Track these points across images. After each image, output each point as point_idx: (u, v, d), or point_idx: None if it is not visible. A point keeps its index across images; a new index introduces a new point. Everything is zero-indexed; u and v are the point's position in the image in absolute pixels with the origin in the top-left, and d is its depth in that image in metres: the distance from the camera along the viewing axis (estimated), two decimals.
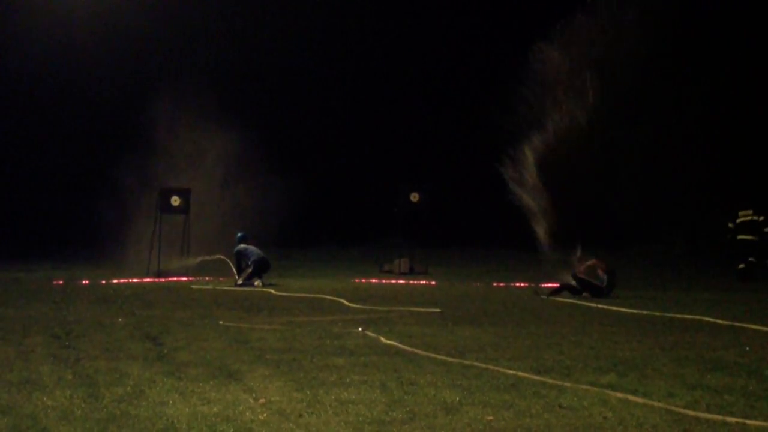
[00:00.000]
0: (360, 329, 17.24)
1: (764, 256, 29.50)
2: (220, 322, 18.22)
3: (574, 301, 23.50)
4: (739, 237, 29.27)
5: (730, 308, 21.50)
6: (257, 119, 48.78)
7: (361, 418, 10.01)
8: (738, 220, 29.56)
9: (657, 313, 20.17)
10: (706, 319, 18.87)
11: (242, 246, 28.90)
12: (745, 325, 18.02)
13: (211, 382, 11.87)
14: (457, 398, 10.98)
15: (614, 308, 21.48)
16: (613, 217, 45.65)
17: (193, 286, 27.09)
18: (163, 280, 28.61)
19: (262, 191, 45.94)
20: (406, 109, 50.45)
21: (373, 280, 30.12)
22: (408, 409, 10.45)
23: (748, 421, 9.85)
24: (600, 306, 22.06)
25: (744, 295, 25.05)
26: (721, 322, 18.46)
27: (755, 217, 29.45)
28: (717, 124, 47.97)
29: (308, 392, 11.30)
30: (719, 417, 10.08)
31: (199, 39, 48.87)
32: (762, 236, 29.25)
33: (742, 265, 29.23)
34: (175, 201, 30.97)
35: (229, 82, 48.24)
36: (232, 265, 29.17)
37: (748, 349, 15.11)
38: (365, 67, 51.60)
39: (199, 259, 30.87)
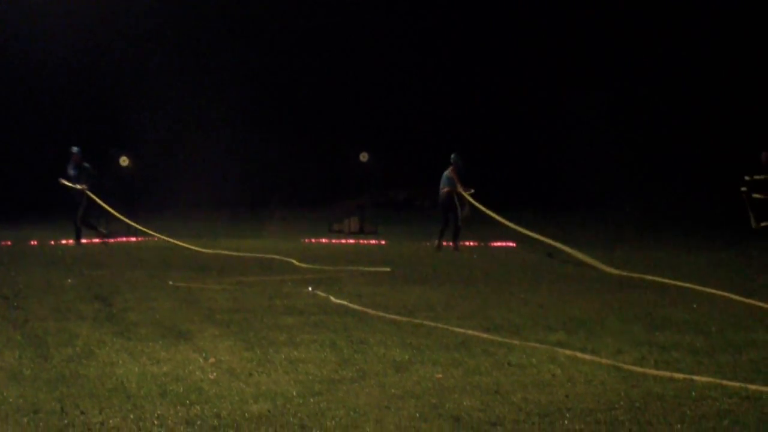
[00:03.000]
0: (309, 289, 17.26)
1: None
2: (170, 282, 18.17)
3: (525, 257, 23.59)
4: (754, 195, 29.03)
5: (680, 268, 21.68)
6: (214, 79, 48.68)
7: (311, 377, 10.02)
8: (754, 177, 29.21)
9: (608, 271, 20.29)
10: (648, 277, 18.99)
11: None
12: (690, 285, 18.13)
13: (160, 342, 11.85)
14: (407, 357, 11.02)
15: (563, 267, 21.60)
16: (564, 178, 45.97)
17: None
18: (111, 240, 28.39)
19: (216, 153, 45.95)
20: (356, 72, 50.33)
21: (323, 240, 30.10)
22: (358, 367, 10.48)
23: (695, 377, 9.95)
24: (550, 265, 22.18)
25: (694, 257, 25.26)
26: (668, 281, 18.58)
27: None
28: (668, 89, 48.36)
29: (258, 351, 11.30)
30: (667, 373, 10.17)
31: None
32: None
33: (765, 223, 28.94)
34: (124, 161, 30.75)
35: (191, 42, 48.10)
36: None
37: (695, 306, 15.25)
38: (320, 32, 51.41)
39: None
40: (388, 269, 21.05)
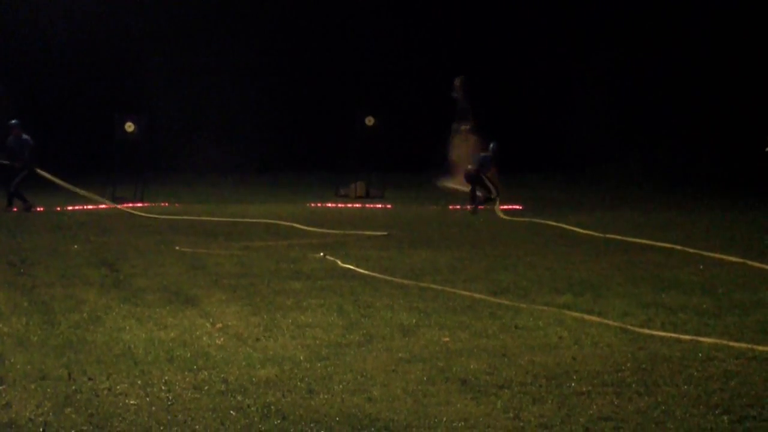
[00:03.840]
0: (321, 254, 17.21)
1: None
2: (176, 248, 18.17)
3: (532, 220, 23.55)
4: None
5: (684, 230, 21.64)
6: (213, 44, 48.51)
7: (318, 341, 10.05)
8: None
9: (612, 236, 20.24)
10: (659, 244, 18.92)
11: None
12: (695, 251, 18.11)
13: (167, 308, 11.88)
14: (414, 320, 11.05)
15: (569, 228, 21.57)
16: (569, 139, 45.82)
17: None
18: (119, 206, 28.36)
19: (220, 118, 45.84)
20: (361, 37, 50.14)
21: (329, 205, 30.09)
22: (365, 331, 10.50)
23: (701, 339, 9.97)
24: (556, 226, 22.14)
25: (695, 216, 25.21)
26: (672, 246, 18.53)
27: None
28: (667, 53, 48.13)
29: (265, 316, 11.33)
30: (673, 335, 10.20)
31: None
32: None
33: None
34: (129, 127, 30.59)
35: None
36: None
37: (701, 267, 15.26)
38: None
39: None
40: (385, 233, 20.95)
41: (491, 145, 27.21)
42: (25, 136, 27.29)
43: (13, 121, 27.55)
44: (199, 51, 47.86)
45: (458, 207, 27.32)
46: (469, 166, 27.34)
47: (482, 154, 27.24)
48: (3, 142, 27.42)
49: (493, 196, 26.89)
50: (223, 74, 47.98)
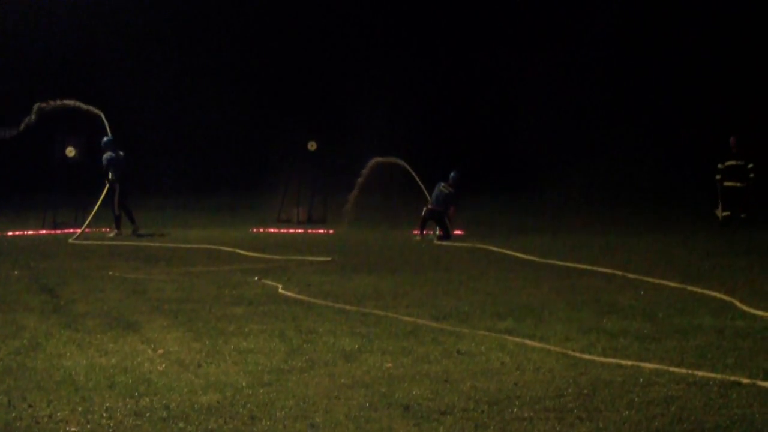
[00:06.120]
0: (256, 278, 17.20)
1: (747, 205, 29.02)
2: (109, 273, 18.07)
3: (474, 245, 23.59)
4: (726, 183, 28.93)
5: (623, 254, 21.76)
6: (152, 65, 48.36)
7: (260, 367, 10.03)
8: (726, 163, 29.08)
9: (553, 262, 20.31)
10: (599, 269, 19.00)
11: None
12: (640, 276, 18.23)
13: (108, 334, 11.81)
14: (356, 346, 11.05)
15: (511, 253, 21.65)
16: (509, 161, 45.96)
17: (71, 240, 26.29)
18: (58, 232, 28.12)
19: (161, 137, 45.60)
20: (304, 59, 50.24)
21: (272, 230, 30.01)
22: (307, 357, 10.50)
23: (642, 364, 10.05)
24: (497, 251, 22.20)
25: (634, 239, 25.38)
26: (612, 271, 18.61)
27: (739, 162, 28.93)
28: (615, 65, 48.34)
29: (207, 342, 11.29)
30: (614, 360, 10.27)
31: None
32: (749, 183, 28.85)
33: (726, 213, 28.81)
34: (71, 152, 30.32)
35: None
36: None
37: (642, 292, 15.37)
38: (272, 17, 51.26)
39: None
40: (328, 259, 20.94)
41: (452, 175, 26.55)
42: (108, 154, 27.26)
43: (104, 139, 27.54)
44: (138, 72, 47.64)
45: (399, 232, 27.30)
46: (431, 206, 26.23)
47: (444, 191, 26.50)
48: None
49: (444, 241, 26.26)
50: (161, 95, 47.77)
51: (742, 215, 28.59)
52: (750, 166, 28.69)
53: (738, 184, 28.63)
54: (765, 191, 29.50)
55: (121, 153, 27.41)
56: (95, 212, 27.06)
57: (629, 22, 47.43)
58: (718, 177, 29.00)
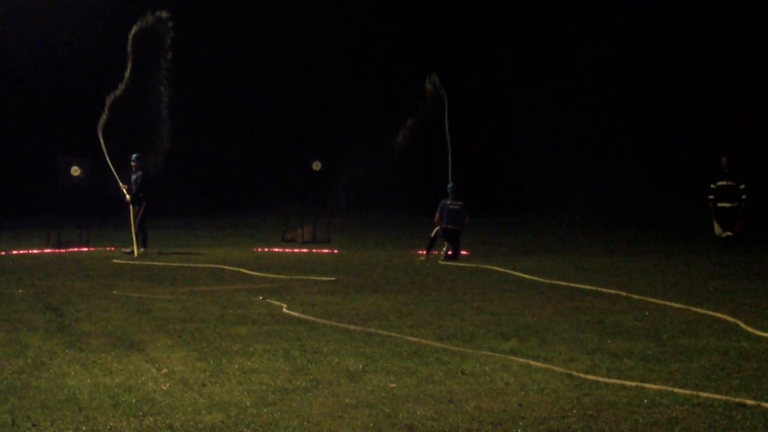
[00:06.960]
0: (261, 298, 17.22)
1: (742, 223, 28.92)
2: (114, 292, 18.09)
3: (478, 266, 23.60)
4: (719, 204, 28.91)
5: (627, 275, 21.77)
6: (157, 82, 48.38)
7: (264, 387, 10.02)
8: (718, 183, 29.05)
9: (557, 282, 20.32)
10: (604, 290, 19.01)
11: None
12: (645, 298, 18.23)
13: (112, 353, 11.80)
14: (360, 366, 11.04)
15: (515, 273, 21.65)
16: (512, 183, 46.01)
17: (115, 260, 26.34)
18: (63, 251, 28.17)
19: (167, 159, 45.60)
20: (309, 79, 50.34)
21: (276, 249, 30.03)
22: (311, 377, 10.48)
23: (646, 385, 10.03)
24: (502, 272, 22.21)
25: (638, 261, 25.37)
26: (617, 292, 18.63)
27: (731, 183, 28.88)
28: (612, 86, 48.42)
29: (211, 361, 11.28)
30: (618, 381, 10.25)
31: None
32: (740, 203, 28.79)
33: (729, 233, 28.76)
34: (75, 171, 30.37)
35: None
36: None
37: (647, 313, 15.36)
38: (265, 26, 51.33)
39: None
40: (332, 278, 20.95)
41: (450, 187, 26.47)
42: (139, 172, 27.57)
43: (135, 156, 27.82)
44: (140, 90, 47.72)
45: (404, 251, 27.29)
46: (448, 225, 26.04)
47: (455, 207, 26.13)
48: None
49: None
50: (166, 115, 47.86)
51: (738, 232, 28.61)
52: (742, 186, 28.70)
53: (729, 205, 28.66)
54: (759, 211, 29.51)
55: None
56: (135, 231, 27.32)
57: (628, 48, 47.56)
58: (711, 197, 29.05)
